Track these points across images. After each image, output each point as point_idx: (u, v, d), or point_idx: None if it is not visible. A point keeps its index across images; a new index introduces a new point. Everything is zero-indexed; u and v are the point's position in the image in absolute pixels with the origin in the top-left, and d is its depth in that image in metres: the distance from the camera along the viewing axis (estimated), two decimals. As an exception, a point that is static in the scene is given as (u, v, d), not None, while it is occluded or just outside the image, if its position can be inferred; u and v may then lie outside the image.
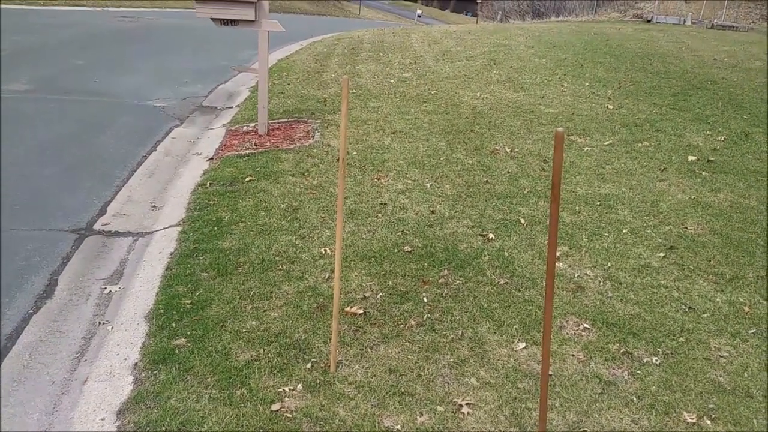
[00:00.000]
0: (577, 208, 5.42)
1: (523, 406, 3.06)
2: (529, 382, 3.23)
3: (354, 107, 8.49)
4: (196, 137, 7.68)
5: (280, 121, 7.97)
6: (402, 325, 3.68)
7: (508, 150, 6.98)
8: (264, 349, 3.41)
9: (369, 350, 3.43)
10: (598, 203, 5.54)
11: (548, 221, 5.17)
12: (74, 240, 4.85)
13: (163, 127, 7.92)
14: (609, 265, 4.47)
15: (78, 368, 3.41)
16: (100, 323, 3.82)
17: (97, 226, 5.12)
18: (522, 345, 3.52)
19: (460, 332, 3.62)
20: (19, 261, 4.46)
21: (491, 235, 4.86)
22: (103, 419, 2.98)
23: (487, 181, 6.04)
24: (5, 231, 4.85)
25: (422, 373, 3.25)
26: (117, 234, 5.04)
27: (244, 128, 7.81)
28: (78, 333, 3.73)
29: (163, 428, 2.85)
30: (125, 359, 3.42)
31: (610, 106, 8.74)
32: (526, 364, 3.37)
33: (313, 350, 3.42)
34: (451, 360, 3.37)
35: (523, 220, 5.17)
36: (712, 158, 6.78)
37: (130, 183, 6.10)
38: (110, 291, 4.19)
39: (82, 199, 5.57)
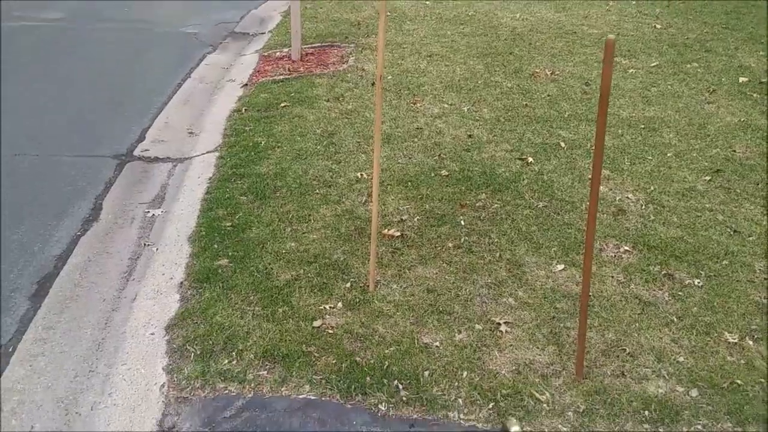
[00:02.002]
0: (620, 131, 5.25)
1: (561, 325, 3.07)
2: (567, 303, 3.23)
3: (389, 30, 8.25)
4: (230, 64, 7.60)
5: (313, 45, 7.81)
6: (439, 248, 3.68)
7: (548, 73, 6.74)
8: (304, 270, 3.47)
9: (407, 271, 3.47)
10: (642, 126, 5.36)
11: (589, 145, 5.04)
12: (116, 166, 4.93)
13: (196, 54, 7.85)
14: (652, 188, 4.35)
15: (126, 287, 3.53)
16: (145, 245, 3.92)
17: (137, 152, 5.19)
18: (561, 267, 3.50)
19: (497, 254, 3.61)
20: (65, 186, 4.57)
21: (530, 159, 4.77)
22: (152, 334, 3.10)
23: (526, 104, 5.88)
24: (51, 156, 4.96)
25: (460, 293, 3.28)
26: (157, 160, 5.10)
27: (278, 54, 7.69)
28: (124, 254, 3.84)
29: (210, 342, 2.96)
30: (171, 278, 3.53)
31: (658, 26, 8.31)
32: (565, 286, 3.37)
33: (352, 270, 3.46)
34: (489, 281, 3.39)
35: (563, 144, 5.05)
36: (764, 80, 6.44)
37: (167, 110, 6.12)
38: (153, 214, 4.29)
39: (121, 126, 5.63)
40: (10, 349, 3.01)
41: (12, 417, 2.66)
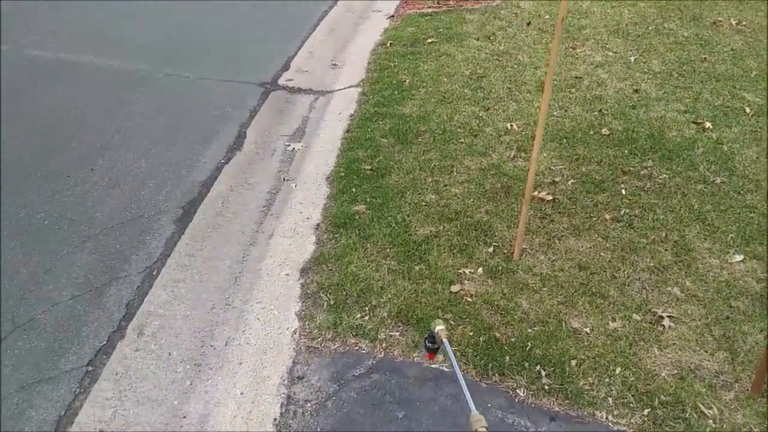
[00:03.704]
0: (823, 99, 4.45)
1: (737, 328, 2.65)
2: (745, 302, 2.79)
3: (549, -37, 7.53)
4: (377, -8, 7.30)
5: (465, -23, 7.30)
6: (595, 218, 3.31)
7: (733, 22, 5.84)
8: (444, 226, 3.26)
9: (556, 241, 3.15)
10: None
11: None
12: (261, 94, 4.91)
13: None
14: None
15: (264, 222, 3.51)
16: (284, 179, 3.88)
17: (281, 81, 5.13)
18: (739, 257, 3.03)
19: (663, 234, 3.18)
20: (213, 110, 4.62)
21: (708, 124, 4.16)
22: (287, 275, 3.06)
23: (705, 58, 5.14)
24: (201, 79, 5.04)
25: (617, 275, 2.93)
26: (299, 90, 5.02)
27: (427, -16, 7.26)
28: (264, 187, 3.82)
29: (344, 293, 2.86)
30: (308, 218, 3.46)
31: None
32: (743, 281, 2.90)
33: (496, 234, 3.20)
34: (651, 264, 2.99)
35: (748, 109, 4.36)
36: None
37: (312, 38, 6.00)
38: (293, 148, 4.23)
39: (269, 52, 5.59)
40: (154, 272, 3.10)
41: (152, 341, 2.73)
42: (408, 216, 3.34)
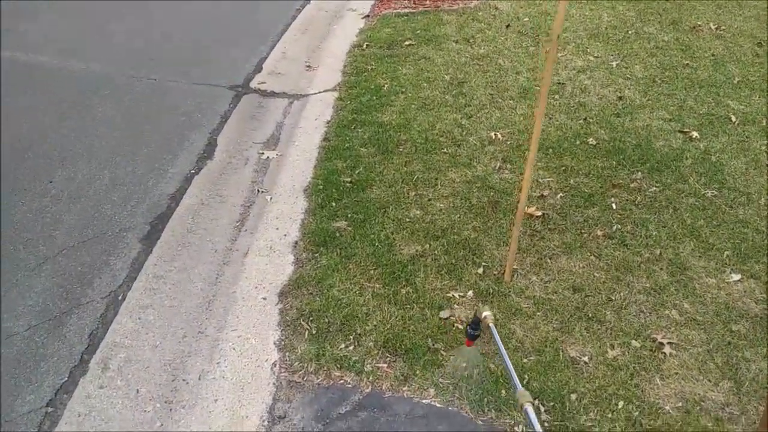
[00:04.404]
0: (806, 107, 4.41)
1: (739, 354, 2.55)
2: (745, 325, 2.69)
3: (526, -36, 7.41)
4: (351, -10, 7.09)
5: (441, -24, 7.13)
6: (586, 235, 3.18)
7: (712, 27, 5.81)
8: (430, 245, 3.09)
9: (548, 260, 3.01)
10: (836, 104, 4.47)
11: (765, 122, 4.26)
12: (232, 98, 4.67)
13: (316, -23, 7.37)
14: None
15: (238, 238, 3.29)
16: (259, 191, 3.66)
17: (253, 84, 4.90)
18: (736, 277, 2.93)
19: (657, 251, 3.07)
20: (181, 116, 4.36)
21: (694, 134, 4.08)
22: (264, 299, 2.85)
23: (687, 64, 5.07)
24: (169, 81, 4.77)
25: (612, 297, 2.80)
26: (273, 94, 4.80)
27: (403, -17, 7.08)
28: (237, 199, 3.60)
29: (327, 320, 2.67)
30: (285, 235, 3.26)
31: None
32: (741, 302, 2.81)
33: (485, 253, 3.05)
34: (647, 285, 2.88)
35: (733, 117, 4.30)
36: None
37: (285, 38, 5.76)
38: (268, 157, 4.01)
39: (239, 53, 5.34)
40: (120, 297, 2.86)
41: (118, 376, 2.50)
42: (392, 233, 3.17)
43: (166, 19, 5.93)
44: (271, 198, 3.59)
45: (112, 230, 3.26)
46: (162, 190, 3.61)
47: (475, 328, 1.73)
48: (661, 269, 2.97)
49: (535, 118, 2.55)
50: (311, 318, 2.69)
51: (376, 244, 3.09)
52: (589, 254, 3.05)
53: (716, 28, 5.79)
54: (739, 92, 4.66)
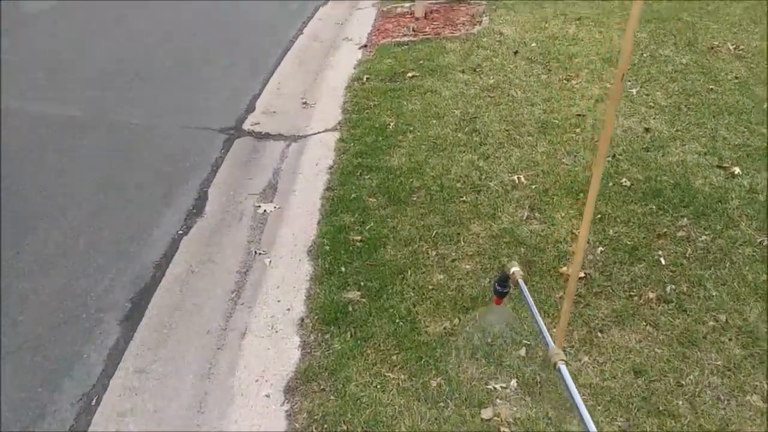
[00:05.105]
0: None
1: (844, 454, 2.12)
2: (842, 413, 2.25)
3: (527, -15, 7.09)
4: (345, 18, 6.73)
5: (439, 1, 6.80)
6: (637, 298, 2.76)
7: (731, 47, 5.45)
8: (459, 319, 2.65)
9: (599, 334, 2.57)
10: None
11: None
12: (223, 142, 4.25)
13: (307, 6, 7.01)
14: None
15: (234, 314, 2.84)
16: (256, 253, 3.22)
17: (246, 126, 4.48)
18: (818, 348, 2.50)
19: (723, 317, 2.65)
20: (166, 166, 3.93)
21: (736, 169, 3.68)
22: (268, 396, 2.40)
23: (711, 88, 4.70)
24: (152, 126, 4.33)
25: (682, 381, 2.37)
26: (268, 136, 4.38)
27: (398, 9, 6.74)
28: (232, 264, 3.16)
29: (344, 428, 2.21)
30: (288, 309, 2.81)
31: None
32: (831, 381, 2.38)
33: (524, 327, 2.61)
34: (719, 363, 2.44)
35: (773, 149, 3.91)
36: None
37: (279, 72, 5.37)
38: (265, 210, 3.58)
39: (230, 89, 4.92)
40: (93, 402, 2.39)
41: None
42: (413, 305, 2.73)
43: (146, 51, 5.52)
44: (270, 262, 3.14)
45: (86, 312, 2.80)
46: (145, 257, 3.16)
47: (503, 285, 1.65)
48: (731, 340, 2.54)
49: (592, 173, 2.13)
50: (325, 425, 2.23)
51: (397, 320, 2.65)
52: (644, 324, 2.62)
53: (735, 48, 5.44)
54: (774, 119, 4.29)
